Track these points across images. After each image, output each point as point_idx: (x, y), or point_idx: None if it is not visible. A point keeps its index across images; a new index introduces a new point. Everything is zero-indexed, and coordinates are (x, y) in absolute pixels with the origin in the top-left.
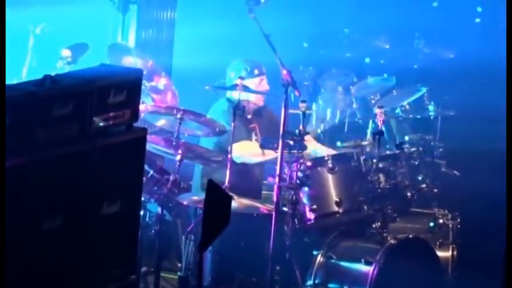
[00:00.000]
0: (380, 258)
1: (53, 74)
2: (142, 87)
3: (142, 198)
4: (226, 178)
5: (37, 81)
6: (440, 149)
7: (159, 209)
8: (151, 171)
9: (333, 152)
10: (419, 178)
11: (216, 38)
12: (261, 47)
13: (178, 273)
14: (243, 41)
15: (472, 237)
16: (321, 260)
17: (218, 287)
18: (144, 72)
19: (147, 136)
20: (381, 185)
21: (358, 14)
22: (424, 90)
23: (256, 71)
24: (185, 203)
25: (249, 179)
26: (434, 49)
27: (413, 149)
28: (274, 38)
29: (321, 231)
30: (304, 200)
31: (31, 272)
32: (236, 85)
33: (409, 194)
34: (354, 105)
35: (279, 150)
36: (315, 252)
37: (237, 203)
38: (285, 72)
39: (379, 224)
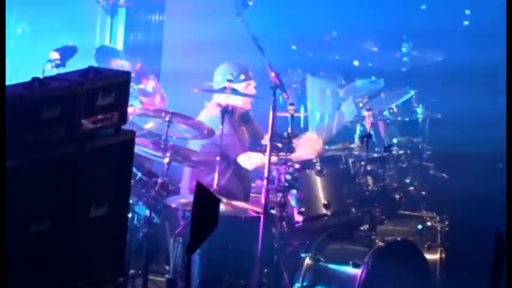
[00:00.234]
0: (368, 261)
1: (41, 76)
2: (131, 89)
3: (131, 201)
4: (214, 181)
5: (25, 84)
6: (429, 152)
7: (147, 212)
8: (140, 174)
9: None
10: (408, 181)
11: (205, 40)
12: (250, 50)
13: (167, 275)
14: (232, 43)
15: (460, 240)
16: (309, 262)
17: None
18: (133, 75)
19: (136, 139)
20: (369, 188)
21: (346, 17)
22: (412, 92)
23: (242, 76)
24: (173, 205)
25: (237, 181)
26: (423, 52)
27: (401, 152)
28: (262, 41)
29: (309, 234)
30: (293, 202)
31: (18, 275)
32: (225, 88)
33: (397, 197)
34: (343, 108)
35: (267, 153)
36: (303, 255)
37: (225, 205)
38: (273, 74)
39: (367, 226)
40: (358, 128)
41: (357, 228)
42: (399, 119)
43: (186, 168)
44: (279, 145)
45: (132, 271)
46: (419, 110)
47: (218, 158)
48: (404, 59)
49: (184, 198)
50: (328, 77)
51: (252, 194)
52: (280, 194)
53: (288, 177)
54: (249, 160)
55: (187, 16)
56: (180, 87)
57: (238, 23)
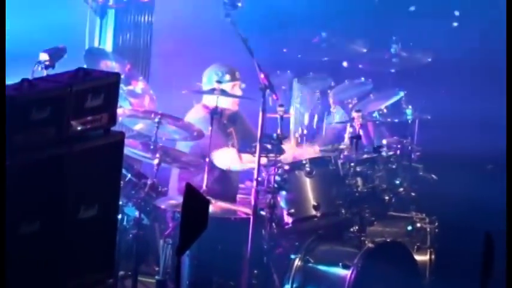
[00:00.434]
0: (358, 262)
1: (30, 77)
2: (120, 91)
3: (120, 202)
4: (203, 182)
5: (14, 85)
6: (418, 153)
7: (136, 213)
8: (129, 175)
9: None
10: (397, 182)
11: (194, 41)
12: (240, 51)
13: (156, 277)
14: (221, 44)
15: (450, 241)
16: (299, 263)
17: None
18: (122, 76)
19: (125, 140)
20: (359, 189)
21: (335, 18)
22: (401, 94)
23: (227, 77)
24: (163, 207)
25: (225, 183)
26: (412, 53)
27: (390, 153)
28: (252, 42)
29: (299, 235)
30: (282, 203)
31: (8, 275)
32: (214, 89)
33: (386, 198)
34: (332, 109)
35: (257, 154)
36: (292, 256)
37: (215, 207)
38: (262, 76)
39: (356, 227)
40: (348, 129)
41: (346, 229)
42: (388, 120)
43: (174, 170)
44: (269, 146)
45: (121, 272)
46: (408, 111)
47: (207, 159)
48: (394, 60)
49: (173, 200)
50: (317, 78)
51: (241, 196)
52: (269, 196)
53: (278, 178)
54: (222, 158)
55: (176, 17)
56: (169, 89)
57: (227, 23)
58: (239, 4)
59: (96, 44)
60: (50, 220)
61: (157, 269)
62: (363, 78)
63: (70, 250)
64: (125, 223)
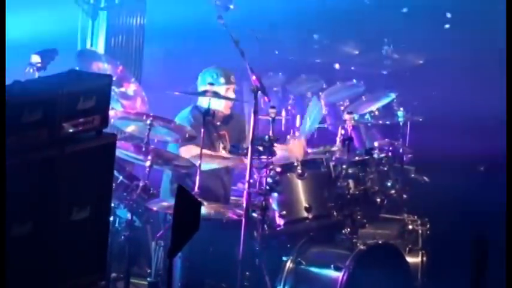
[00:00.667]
0: (349, 264)
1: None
2: (112, 93)
3: (112, 204)
4: (195, 184)
5: (6, 87)
6: (410, 155)
7: (128, 215)
8: (121, 177)
9: None
10: (389, 184)
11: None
12: (232, 53)
13: (148, 279)
14: (213, 46)
15: (442, 243)
16: (291, 265)
17: None
18: (114, 78)
19: (117, 142)
20: (351, 191)
21: (327, 20)
22: (393, 96)
23: (222, 80)
24: (155, 208)
25: (217, 184)
26: (404, 55)
27: (382, 155)
28: (243, 44)
29: (291, 237)
30: (274, 205)
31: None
32: (206, 91)
33: (378, 200)
34: (324, 111)
35: (248, 156)
36: (284, 258)
37: (207, 208)
38: (254, 78)
39: (348, 229)
40: (340, 131)
41: (338, 231)
42: (380, 122)
43: (166, 172)
44: (260, 148)
45: (113, 274)
46: (400, 113)
47: (199, 162)
48: (386, 62)
49: (165, 202)
50: (309, 80)
51: (233, 197)
52: (261, 198)
53: (269, 180)
54: (188, 152)
55: (168, 19)
56: (161, 91)
57: (220, 26)
58: (231, 6)
59: (88, 46)
60: (42, 222)
61: (149, 271)
62: (354, 80)
63: (62, 252)
64: (116, 225)
